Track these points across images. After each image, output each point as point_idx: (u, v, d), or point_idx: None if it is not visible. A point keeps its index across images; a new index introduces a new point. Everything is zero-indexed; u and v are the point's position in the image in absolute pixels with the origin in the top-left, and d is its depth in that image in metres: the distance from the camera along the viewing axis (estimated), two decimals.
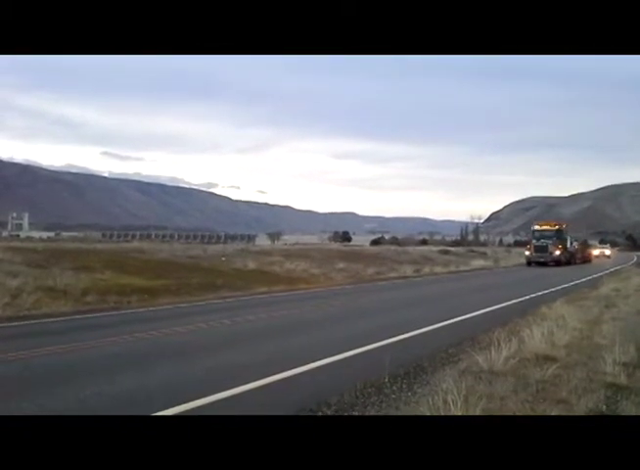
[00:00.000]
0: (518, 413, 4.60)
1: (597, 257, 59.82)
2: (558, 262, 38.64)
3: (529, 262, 39.80)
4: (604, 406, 4.96)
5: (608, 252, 66.76)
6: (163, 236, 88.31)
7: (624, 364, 6.23)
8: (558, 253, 39.34)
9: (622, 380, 5.73)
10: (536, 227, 44.66)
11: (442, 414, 4.27)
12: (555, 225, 44.08)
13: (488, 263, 41.29)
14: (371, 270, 28.53)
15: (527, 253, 41.20)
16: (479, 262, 40.89)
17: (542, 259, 39.13)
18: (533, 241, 42.12)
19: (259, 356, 7.65)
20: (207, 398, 5.44)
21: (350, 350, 7.88)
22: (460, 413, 4.23)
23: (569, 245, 44.70)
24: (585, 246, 56.15)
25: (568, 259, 41.20)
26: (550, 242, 39.93)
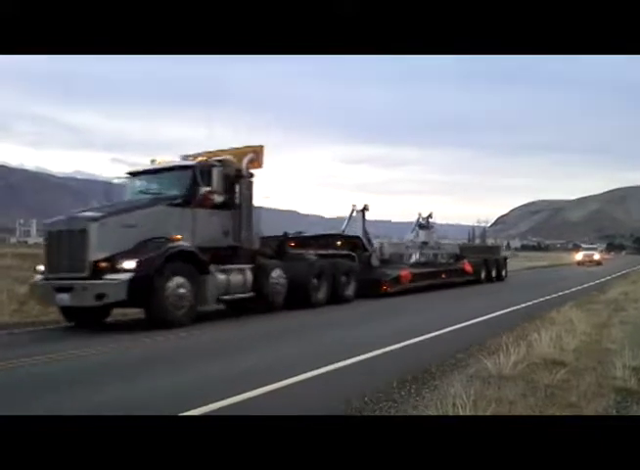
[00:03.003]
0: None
1: (581, 263, 46.39)
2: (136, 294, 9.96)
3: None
4: (614, 411, 4.91)
5: (597, 256, 49.89)
6: None
7: (634, 369, 6.16)
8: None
9: (632, 384, 5.66)
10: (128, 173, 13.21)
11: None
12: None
13: None
14: None
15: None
16: None
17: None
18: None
19: (268, 359, 7.67)
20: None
21: (363, 353, 7.84)
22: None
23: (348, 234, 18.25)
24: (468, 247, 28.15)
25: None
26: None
